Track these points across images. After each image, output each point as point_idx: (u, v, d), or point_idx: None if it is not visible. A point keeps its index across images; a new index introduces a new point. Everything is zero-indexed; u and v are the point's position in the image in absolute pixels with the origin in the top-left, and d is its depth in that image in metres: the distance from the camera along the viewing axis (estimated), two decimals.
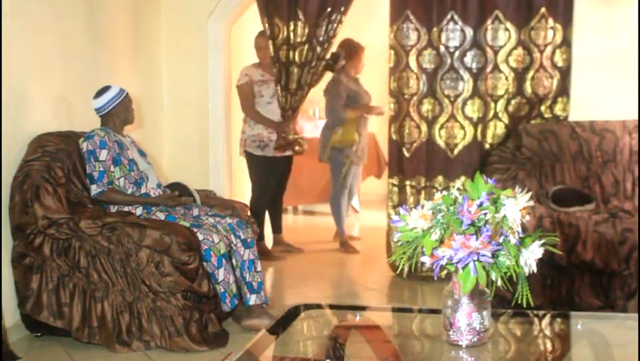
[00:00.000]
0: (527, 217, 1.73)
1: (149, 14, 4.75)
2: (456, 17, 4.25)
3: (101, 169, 3.32)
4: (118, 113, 3.46)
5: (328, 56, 4.77)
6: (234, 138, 5.35)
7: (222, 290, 3.27)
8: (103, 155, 3.34)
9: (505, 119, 4.28)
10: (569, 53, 4.19)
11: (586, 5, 4.20)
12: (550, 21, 4.17)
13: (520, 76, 4.23)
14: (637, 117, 4.03)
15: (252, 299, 3.41)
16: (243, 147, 5.02)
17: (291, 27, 4.60)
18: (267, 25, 4.65)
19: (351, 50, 5.12)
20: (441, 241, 1.69)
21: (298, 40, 4.61)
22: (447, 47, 4.28)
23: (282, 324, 2.20)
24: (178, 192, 3.55)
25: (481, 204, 1.68)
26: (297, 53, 4.63)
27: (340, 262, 5.07)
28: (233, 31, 5.23)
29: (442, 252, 1.67)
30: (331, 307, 2.58)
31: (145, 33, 4.69)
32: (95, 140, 3.35)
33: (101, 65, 4.12)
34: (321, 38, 4.59)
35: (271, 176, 5.03)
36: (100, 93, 3.44)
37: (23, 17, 3.40)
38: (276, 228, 5.34)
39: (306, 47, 4.61)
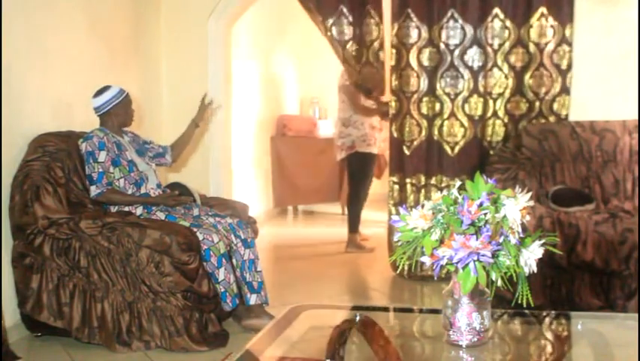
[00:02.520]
0: (527, 217, 1.73)
1: (149, 14, 4.75)
2: (456, 15, 4.26)
3: (100, 170, 3.32)
4: (117, 114, 3.45)
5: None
6: (235, 138, 5.35)
7: (223, 290, 3.27)
8: (102, 156, 3.33)
9: (505, 118, 4.29)
10: (569, 52, 4.19)
11: (586, 5, 4.20)
12: (550, 20, 4.17)
13: (519, 74, 4.24)
14: (637, 117, 4.03)
15: (253, 299, 3.41)
16: (352, 148, 5.25)
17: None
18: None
19: None
20: (441, 241, 1.69)
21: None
22: (447, 45, 4.29)
23: (282, 324, 2.20)
24: (178, 192, 3.55)
25: (481, 204, 1.67)
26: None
27: (341, 262, 5.08)
28: (234, 30, 5.23)
29: (442, 252, 1.67)
30: (331, 307, 2.58)
31: (145, 33, 4.69)
32: (94, 141, 3.34)
33: (101, 65, 4.12)
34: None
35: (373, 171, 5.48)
36: (99, 92, 3.44)
37: (23, 17, 3.39)
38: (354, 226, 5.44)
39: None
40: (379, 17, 4.48)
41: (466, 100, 4.31)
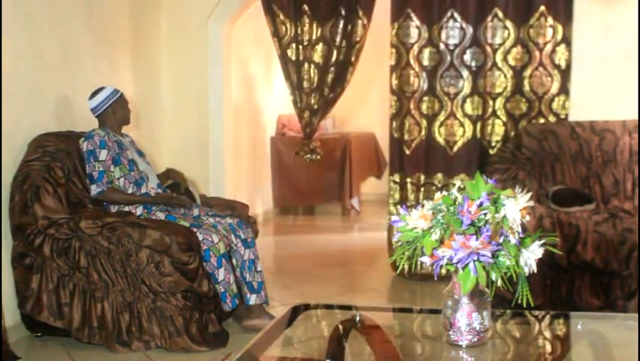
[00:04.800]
0: (527, 217, 1.73)
1: (149, 14, 4.75)
2: (456, 15, 4.26)
3: (101, 169, 3.32)
4: (114, 112, 3.46)
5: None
6: (234, 137, 5.35)
7: (223, 290, 3.27)
8: (103, 155, 3.34)
9: (504, 117, 4.29)
10: (568, 52, 4.19)
11: (586, 4, 4.19)
12: (550, 19, 4.17)
13: (518, 74, 4.24)
14: (637, 117, 4.03)
15: (252, 299, 3.42)
16: None
17: (299, 25, 4.62)
18: (272, 23, 4.68)
19: None
20: (441, 241, 1.69)
21: (306, 38, 4.62)
22: (447, 45, 4.29)
23: (282, 324, 2.20)
24: (175, 194, 3.53)
25: (481, 204, 1.67)
26: (308, 53, 4.65)
27: (340, 262, 5.08)
28: (233, 31, 5.23)
29: (442, 252, 1.67)
30: (331, 307, 2.58)
31: (145, 33, 4.69)
32: (95, 140, 3.35)
33: (101, 65, 4.12)
34: (337, 38, 4.58)
35: None
36: (94, 94, 3.45)
37: (23, 17, 3.39)
38: None
39: (318, 46, 4.62)
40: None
41: (465, 100, 4.31)
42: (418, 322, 2.36)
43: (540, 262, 1.75)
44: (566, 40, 4.18)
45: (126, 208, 3.37)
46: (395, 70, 4.39)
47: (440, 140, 4.36)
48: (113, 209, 3.37)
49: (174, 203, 3.44)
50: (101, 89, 3.47)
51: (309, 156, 5.13)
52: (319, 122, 4.94)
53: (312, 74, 4.70)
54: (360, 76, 5.43)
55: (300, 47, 4.68)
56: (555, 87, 4.22)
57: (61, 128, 3.58)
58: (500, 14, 4.21)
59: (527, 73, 4.23)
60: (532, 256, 1.73)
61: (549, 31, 4.18)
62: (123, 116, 3.51)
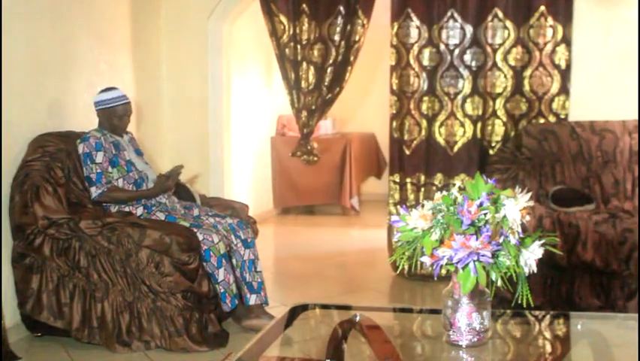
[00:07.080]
0: (527, 217, 1.73)
1: (148, 14, 4.75)
2: (456, 15, 4.26)
3: (99, 171, 3.31)
4: (108, 118, 3.40)
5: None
6: (235, 137, 5.35)
7: (222, 290, 3.27)
8: (99, 157, 3.32)
9: (504, 117, 4.29)
10: (568, 52, 4.19)
11: (586, 4, 4.19)
12: (550, 20, 4.17)
13: (518, 74, 4.24)
14: (637, 117, 4.03)
15: (252, 299, 3.41)
16: None
17: (297, 25, 4.62)
18: (270, 22, 4.68)
19: None
20: (441, 241, 1.69)
21: (305, 37, 4.62)
22: (447, 45, 4.29)
23: (282, 324, 2.20)
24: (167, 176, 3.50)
25: (481, 204, 1.68)
26: (306, 52, 4.65)
27: (340, 262, 5.07)
28: (233, 31, 5.23)
29: (442, 252, 1.67)
30: (331, 307, 2.58)
31: (145, 33, 4.69)
32: (91, 142, 3.33)
33: (101, 65, 4.12)
34: (336, 37, 4.59)
35: None
36: (104, 90, 3.43)
37: (23, 17, 3.39)
38: None
39: (317, 45, 4.62)
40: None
41: (465, 100, 4.31)
42: (418, 322, 2.37)
43: (540, 262, 1.75)
44: (566, 40, 4.18)
45: (126, 208, 3.37)
46: (395, 70, 4.39)
47: (440, 140, 4.36)
48: (114, 209, 3.37)
49: (171, 184, 3.42)
50: (111, 89, 3.43)
51: (305, 157, 5.08)
52: (317, 123, 4.92)
53: (310, 74, 4.70)
54: (360, 76, 5.44)
55: (299, 46, 4.68)
56: (555, 87, 4.22)
57: (61, 129, 3.57)
58: (500, 14, 4.21)
59: (527, 73, 4.23)
60: (532, 256, 1.74)
61: (549, 31, 4.18)
62: (115, 125, 3.42)
